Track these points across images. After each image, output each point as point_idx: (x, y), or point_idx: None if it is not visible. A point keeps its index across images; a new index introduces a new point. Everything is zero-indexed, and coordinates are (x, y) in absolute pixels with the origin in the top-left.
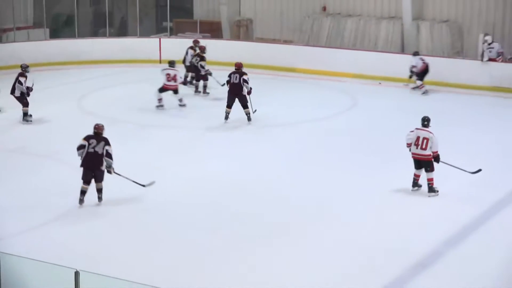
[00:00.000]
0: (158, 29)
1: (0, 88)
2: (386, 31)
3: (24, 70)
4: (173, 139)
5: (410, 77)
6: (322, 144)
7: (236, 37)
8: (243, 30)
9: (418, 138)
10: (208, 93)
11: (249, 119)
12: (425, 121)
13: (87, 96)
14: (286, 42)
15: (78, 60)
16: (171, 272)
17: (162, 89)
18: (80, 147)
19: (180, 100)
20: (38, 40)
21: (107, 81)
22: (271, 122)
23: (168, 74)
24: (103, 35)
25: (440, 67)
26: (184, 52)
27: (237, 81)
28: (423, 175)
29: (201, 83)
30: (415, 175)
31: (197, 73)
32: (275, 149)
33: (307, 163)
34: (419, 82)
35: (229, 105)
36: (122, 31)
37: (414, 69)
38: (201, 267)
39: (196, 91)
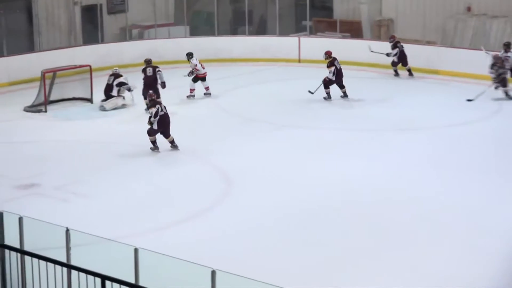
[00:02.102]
0: (297, 28)
1: (136, 85)
2: None
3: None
4: (307, 140)
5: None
6: (460, 150)
7: (376, 37)
8: (383, 30)
9: None
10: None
11: (346, 95)
12: None
13: (225, 94)
14: (429, 43)
15: (217, 58)
16: (304, 275)
17: (196, 79)
18: (156, 114)
19: (207, 88)
20: (178, 37)
21: (245, 80)
22: (406, 126)
23: (200, 63)
24: (242, 33)
25: None
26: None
27: (339, 66)
28: None
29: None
30: None
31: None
32: (408, 153)
33: (441, 169)
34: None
35: (329, 87)
36: (261, 30)
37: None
38: (331, 273)
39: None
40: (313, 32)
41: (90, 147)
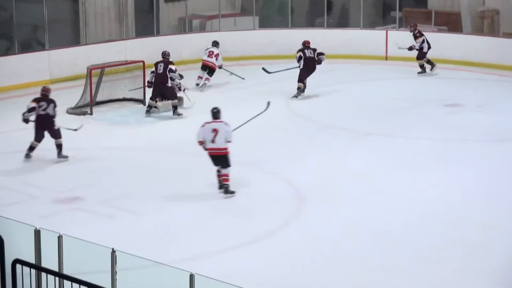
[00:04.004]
0: (385, 20)
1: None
2: None
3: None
4: (393, 151)
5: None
6: None
7: (478, 31)
8: (487, 23)
9: None
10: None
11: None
12: None
13: (298, 96)
14: None
15: (291, 54)
16: None
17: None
18: (31, 110)
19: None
20: (245, 30)
21: (322, 80)
22: (509, 136)
23: (211, 51)
24: (320, 25)
25: None
26: None
27: (312, 55)
28: None
29: None
30: None
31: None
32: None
33: None
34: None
35: (303, 80)
36: (342, 21)
37: None
38: None
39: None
40: (403, 24)
41: (141, 156)
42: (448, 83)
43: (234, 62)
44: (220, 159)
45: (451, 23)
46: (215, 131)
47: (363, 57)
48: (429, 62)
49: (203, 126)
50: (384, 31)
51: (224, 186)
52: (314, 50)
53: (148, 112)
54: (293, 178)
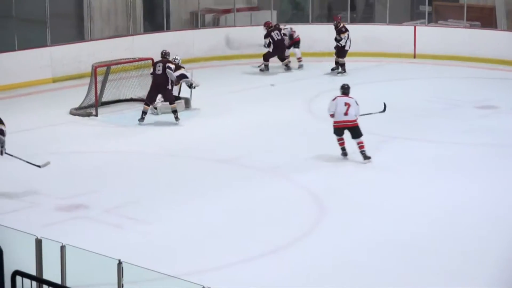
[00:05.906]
0: (413, 15)
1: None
2: None
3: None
4: (420, 156)
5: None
6: None
7: None
8: None
9: None
10: None
11: (289, 68)
12: None
13: (320, 96)
14: None
15: (311, 52)
16: None
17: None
18: None
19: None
20: (262, 25)
21: (345, 79)
22: None
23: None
24: (343, 20)
25: None
26: None
27: (280, 37)
28: None
29: None
30: None
31: None
32: None
33: None
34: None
35: (268, 59)
36: (367, 17)
37: None
38: None
39: None
40: (433, 19)
41: (150, 161)
42: (481, 83)
43: (250, 60)
44: (353, 129)
45: (484, 18)
46: (347, 104)
47: (388, 55)
48: (343, 65)
49: (334, 99)
50: (412, 27)
51: (362, 152)
52: (280, 29)
53: (142, 119)
54: (312, 184)
